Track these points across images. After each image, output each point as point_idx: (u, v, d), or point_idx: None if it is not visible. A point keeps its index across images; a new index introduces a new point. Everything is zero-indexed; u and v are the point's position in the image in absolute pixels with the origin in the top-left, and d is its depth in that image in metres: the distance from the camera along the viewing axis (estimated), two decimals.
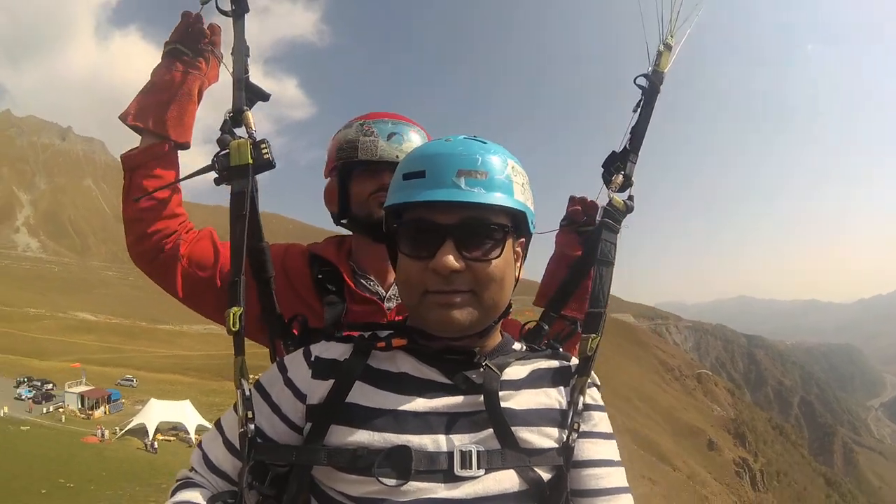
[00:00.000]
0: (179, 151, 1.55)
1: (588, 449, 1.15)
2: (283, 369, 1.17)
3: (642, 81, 1.54)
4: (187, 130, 1.53)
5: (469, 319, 1.06)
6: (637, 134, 1.51)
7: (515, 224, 1.10)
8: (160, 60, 1.52)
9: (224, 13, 1.41)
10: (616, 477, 1.15)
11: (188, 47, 1.51)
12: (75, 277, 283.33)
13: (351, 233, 1.70)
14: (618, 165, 1.50)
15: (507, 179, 1.07)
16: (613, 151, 1.54)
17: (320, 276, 1.53)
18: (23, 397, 46.75)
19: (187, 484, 1.14)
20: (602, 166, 1.53)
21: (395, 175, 1.12)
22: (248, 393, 1.15)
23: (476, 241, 1.05)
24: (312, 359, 1.15)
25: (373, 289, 1.61)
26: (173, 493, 1.12)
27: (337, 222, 1.70)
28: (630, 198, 1.46)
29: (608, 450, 1.18)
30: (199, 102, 1.56)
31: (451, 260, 1.02)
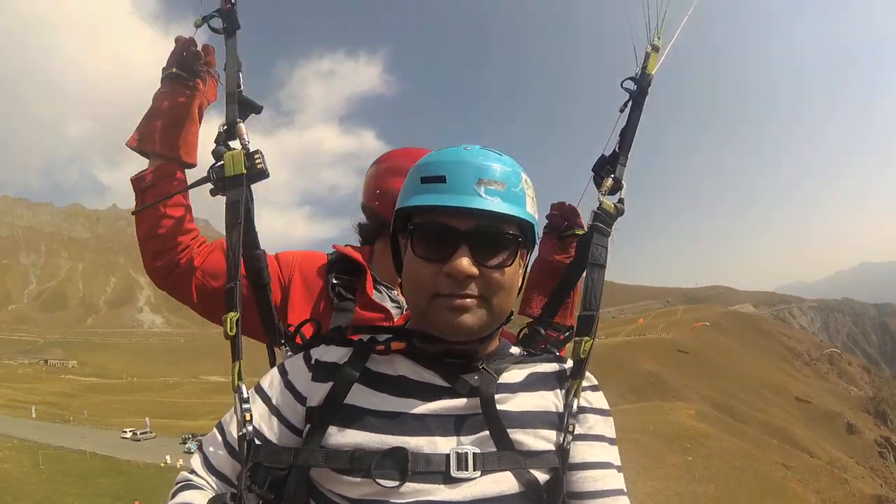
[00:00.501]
0: (187, 171, 1.59)
1: (583, 451, 1.16)
2: (283, 373, 1.19)
3: (630, 85, 1.55)
4: (192, 150, 1.58)
5: (477, 324, 1.08)
6: (626, 137, 1.53)
7: (524, 235, 1.14)
8: (160, 85, 1.57)
9: (216, 31, 1.48)
10: (611, 479, 1.15)
11: (185, 70, 1.55)
12: (201, 345, 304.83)
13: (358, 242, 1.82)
14: (607, 169, 1.51)
15: (521, 192, 1.11)
16: (603, 155, 1.54)
17: (335, 282, 1.60)
18: (192, 450, 52.78)
19: (187, 486, 1.15)
20: (592, 170, 1.54)
21: (410, 177, 1.15)
22: (245, 395, 1.16)
23: (491, 248, 1.08)
24: (313, 362, 1.17)
25: (394, 297, 1.69)
26: (173, 496, 1.12)
27: (377, 225, 1.76)
28: (620, 201, 1.48)
29: (604, 452, 1.18)
30: (200, 122, 1.61)
31: (468, 264, 1.04)
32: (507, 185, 1.09)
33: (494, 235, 1.09)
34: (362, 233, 1.84)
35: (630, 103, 1.55)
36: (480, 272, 1.07)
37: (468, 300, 1.07)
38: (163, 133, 1.55)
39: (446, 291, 1.07)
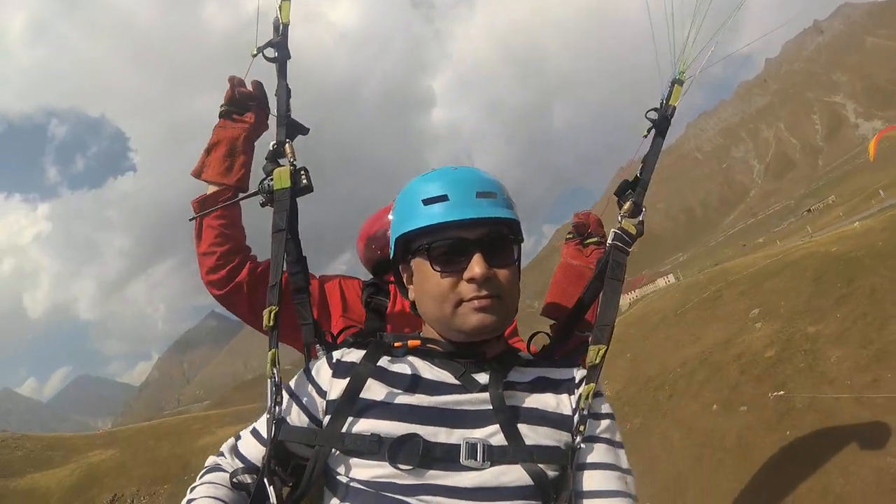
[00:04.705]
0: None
1: (592, 453, 1.19)
2: (308, 371, 1.28)
3: (653, 115, 1.61)
4: (245, 176, 1.75)
5: (499, 320, 1.17)
6: (648, 164, 1.60)
7: (517, 235, 1.24)
8: (217, 121, 1.76)
9: (270, 60, 1.63)
10: (618, 481, 1.17)
11: (237, 106, 1.74)
12: None
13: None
14: (629, 193, 1.59)
15: (509, 198, 1.24)
16: (625, 180, 1.62)
17: (369, 301, 1.76)
18: None
19: (214, 468, 1.24)
20: (615, 194, 1.62)
21: (406, 204, 1.23)
22: (277, 381, 1.24)
23: (499, 251, 1.19)
24: (334, 361, 1.25)
25: None
26: (201, 476, 1.22)
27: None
28: (640, 223, 1.56)
29: (612, 455, 1.21)
30: (251, 151, 1.77)
31: (486, 268, 1.14)
32: (499, 194, 1.21)
33: (499, 239, 1.20)
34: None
35: (653, 132, 1.64)
36: (494, 273, 1.17)
37: (489, 300, 1.16)
38: (219, 163, 1.73)
39: (469, 296, 1.15)
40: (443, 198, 1.17)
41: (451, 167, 1.25)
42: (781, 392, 6.61)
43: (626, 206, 1.58)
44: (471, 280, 1.14)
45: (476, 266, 1.14)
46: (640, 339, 13.32)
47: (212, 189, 1.75)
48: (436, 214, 1.16)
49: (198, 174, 1.75)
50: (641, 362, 11.57)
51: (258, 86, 1.77)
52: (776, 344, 7.93)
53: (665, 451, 7.64)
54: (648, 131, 1.63)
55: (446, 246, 1.17)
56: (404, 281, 1.30)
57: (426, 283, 1.20)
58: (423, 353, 1.24)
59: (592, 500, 1.13)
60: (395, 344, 1.26)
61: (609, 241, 1.54)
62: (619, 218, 1.58)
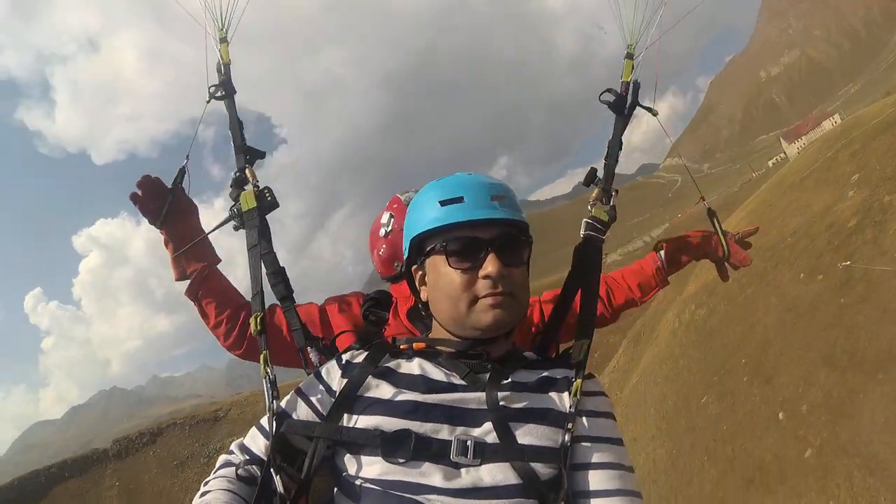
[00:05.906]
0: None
1: (592, 453, 1.19)
2: (318, 374, 1.32)
3: (607, 97, 1.61)
4: (210, 253, 1.85)
5: (512, 316, 1.22)
6: (612, 147, 1.61)
7: (526, 236, 1.29)
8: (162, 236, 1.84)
9: (218, 99, 1.76)
10: (620, 480, 1.17)
11: (154, 215, 1.78)
12: None
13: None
14: (597, 180, 1.60)
15: (517, 202, 1.29)
16: (592, 167, 1.61)
17: (368, 314, 1.80)
18: None
19: (226, 465, 1.28)
20: (583, 184, 1.62)
21: (423, 205, 1.30)
22: (272, 378, 1.35)
23: (512, 250, 1.24)
24: (343, 363, 1.30)
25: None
26: (215, 472, 1.26)
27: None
28: (612, 208, 1.56)
29: (613, 454, 1.21)
30: (192, 224, 1.84)
31: (500, 265, 1.19)
32: (509, 198, 1.29)
33: (512, 239, 1.27)
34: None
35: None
36: (508, 272, 1.23)
37: (503, 297, 1.22)
38: (188, 258, 1.83)
39: (485, 292, 1.22)
40: (459, 199, 1.25)
41: (465, 173, 1.33)
42: (848, 262, 7.46)
43: (595, 193, 1.64)
44: (486, 277, 1.21)
45: (490, 264, 1.20)
46: (769, 206, 13.67)
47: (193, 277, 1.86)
48: (453, 214, 1.24)
49: (182, 277, 1.85)
50: (765, 232, 12.15)
51: (148, 183, 1.77)
52: (859, 213, 8.42)
53: (762, 316, 8.91)
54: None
55: (462, 244, 1.23)
56: (416, 282, 1.36)
57: (441, 280, 1.26)
58: (429, 354, 1.28)
59: (596, 500, 1.15)
60: (402, 346, 1.31)
61: (581, 231, 1.61)
62: (590, 206, 1.63)
